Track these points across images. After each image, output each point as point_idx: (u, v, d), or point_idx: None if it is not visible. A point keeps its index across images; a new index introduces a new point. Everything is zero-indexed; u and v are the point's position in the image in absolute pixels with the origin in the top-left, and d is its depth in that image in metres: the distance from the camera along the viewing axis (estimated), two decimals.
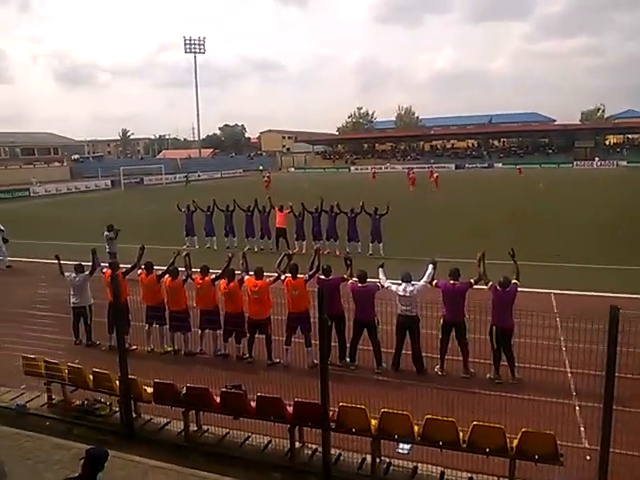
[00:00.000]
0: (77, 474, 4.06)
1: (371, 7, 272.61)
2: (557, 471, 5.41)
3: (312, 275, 9.17)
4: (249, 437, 6.66)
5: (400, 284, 8.71)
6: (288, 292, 9.04)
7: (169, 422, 7.08)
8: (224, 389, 6.68)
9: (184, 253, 10.17)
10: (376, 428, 5.91)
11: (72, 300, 10.12)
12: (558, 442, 5.31)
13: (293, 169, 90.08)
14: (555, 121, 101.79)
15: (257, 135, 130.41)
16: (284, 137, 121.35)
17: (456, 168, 76.74)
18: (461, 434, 5.61)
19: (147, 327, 9.86)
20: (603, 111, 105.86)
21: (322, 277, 9.13)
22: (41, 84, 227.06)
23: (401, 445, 6.22)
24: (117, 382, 7.14)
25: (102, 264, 10.65)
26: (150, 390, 7.07)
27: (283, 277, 9.17)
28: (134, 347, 9.66)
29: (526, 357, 8.25)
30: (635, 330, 5.92)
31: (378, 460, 5.98)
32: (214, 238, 20.05)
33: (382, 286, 8.92)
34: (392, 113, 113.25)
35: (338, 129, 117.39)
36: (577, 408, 7.29)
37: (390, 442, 6.09)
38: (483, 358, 8.46)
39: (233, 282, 9.30)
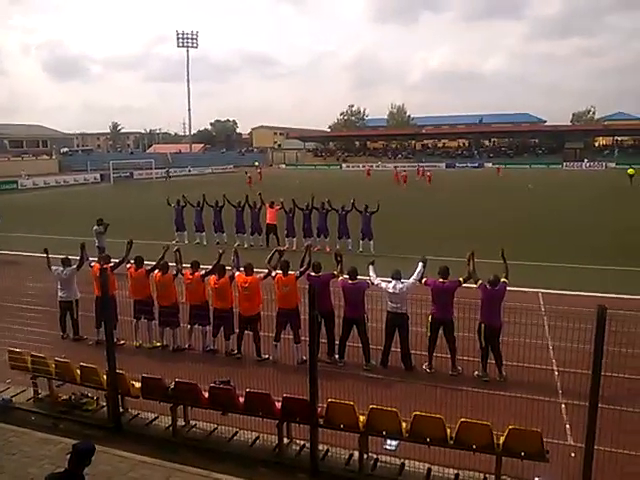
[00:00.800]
0: (63, 469, 4.03)
1: (367, 4, 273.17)
2: (542, 470, 5.47)
3: (303, 272, 9.17)
4: (237, 432, 6.65)
5: (390, 281, 8.73)
6: (278, 288, 9.03)
7: (157, 417, 7.06)
8: (213, 384, 6.66)
9: (174, 248, 10.12)
10: (364, 424, 5.93)
11: (59, 294, 10.04)
12: (544, 439, 5.36)
13: (284, 166, 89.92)
14: (546, 122, 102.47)
15: (249, 131, 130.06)
16: (276, 133, 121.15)
17: (447, 167, 77.06)
18: (448, 431, 5.64)
19: (135, 322, 9.81)
20: (593, 113, 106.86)
21: (312, 274, 9.13)
22: (32, 75, 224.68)
23: (389, 441, 6.25)
24: (104, 376, 7.09)
25: (90, 258, 10.57)
26: (138, 385, 7.04)
27: (274, 273, 9.16)
28: (122, 342, 9.61)
29: (513, 355, 8.29)
30: (622, 330, 6.01)
31: (366, 456, 6.00)
32: (203, 234, 19.99)
33: (372, 283, 8.95)
34: (384, 111, 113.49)
35: (330, 126, 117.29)
36: (563, 406, 7.37)
37: (378, 438, 6.11)
38: (471, 356, 8.53)
39: (224, 278, 9.28)
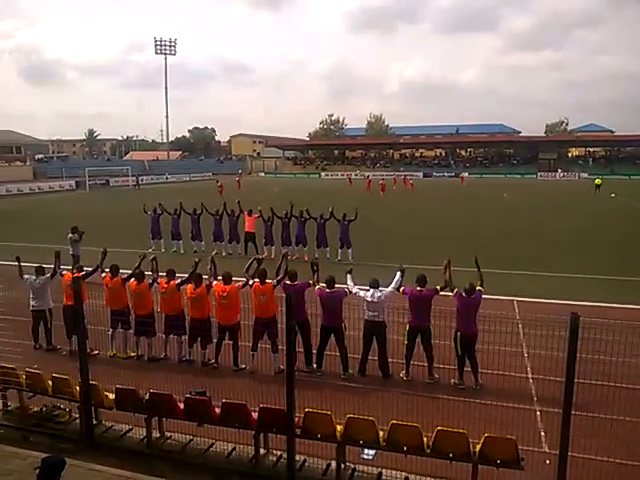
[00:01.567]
0: None
1: (344, 14, 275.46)
2: (517, 477, 5.51)
3: (280, 280, 9.14)
4: (213, 444, 6.56)
5: (368, 290, 8.76)
6: (255, 297, 8.97)
7: (131, 429, 6.92)
8: (188, 395, 6.57)
9: (151, 257, 10.00)
10: (341, 434, 5.91)
11: (32, 303, 9.82)
12: (519, 447, 5.41)
13: (263, 174, 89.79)
14: (520, 133, 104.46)
15: (227, 139, 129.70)
16: (255, 141, 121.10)
17: (424, 176, 77.90)
18: (425, 439, 5.66)
19: (111, 331, 9.64)
20: (566, 124, 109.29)
21: (288, 282, 9.11)
22: (6, 81, 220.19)
23: (366, 450, 6.22)
24: (77, 388, 6.94)
25: (62, 267, 10.37)
26: (112, 396, 6.90)
27: (251, 282, 9.10)
28: (96, 352, 9.43)
29: (489, 363, 8.37)
30: (594, 337, 6.12)
31: (343, 466, 5.97)
32: (180, 242, 19.80)
33: (350, 292, 8.96)
34: (363, 121, 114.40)
35: (309, 135, 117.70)
36: (538, 413, 7.45)
37: (355, 448, 6.09)
38: (447, 364, 8.59)
39: (200, 287, 9.19)
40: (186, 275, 9.44)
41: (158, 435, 6.79)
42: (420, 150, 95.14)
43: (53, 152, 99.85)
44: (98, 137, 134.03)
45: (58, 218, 28.43)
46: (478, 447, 5.48)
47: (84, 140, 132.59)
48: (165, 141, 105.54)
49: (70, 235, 15.43)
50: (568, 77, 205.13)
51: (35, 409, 7.38)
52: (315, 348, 8.99)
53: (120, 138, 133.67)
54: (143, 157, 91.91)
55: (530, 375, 8.54)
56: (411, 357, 8.68)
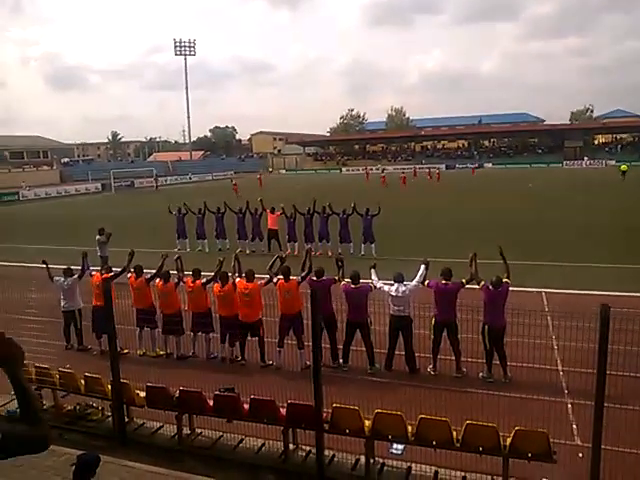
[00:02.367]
0: None
1: (362, 9, 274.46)
2: (549, 471, 5.44)
3: (304, 277, 9.16)
4: (242, 440, 6.64)
5: (392, 284, 8.72)
6: (280, 294, 9.02)
7: (162, 426, 7.05)
8: (217, 392, 6.65)
9: (175, 256, 10.13)
10: (370, 429, 5.91)
11: (62, 304, 10.05)
12: (551, 440, 5.34)
13: (284, 171, 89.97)
14: (544, 121, 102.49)
15: (248, 137, 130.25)
16: (275, 139, 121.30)
17: (447, 168, 76.99)
18: (454, 433, 5.63)
19: (138, 331, 9.81)
20: (592, 111, 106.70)
21: (314, 278, 9.12)
22: (32, 87, 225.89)
23: (395, 445, 6.22)
24: (109, 386, 7.09)
25: (91, 268, 10.58)
26: (142, 394, 7.03)
27: (275, 279, 9.15)
28: (126, 351, 9.60)
29: (518, 356, 8.27)
30: (626, 328, 5.98)
31: (372, 461, 5.98)
32: (205, 241, 20.00)
33: (374, 287, 8.93)
34: (383, 114, 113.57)
35: (329, 130, 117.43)
36: (569, 406, 7.34)
37: (384, 442, 6.09)
38: (475, 357, 8.50)
39: (227, 285, 9.27)
40: (211, 274, 9.55)
41: (189, 432, 6.90)
42: (442, 142, 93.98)
43: (78, 155, 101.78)
44: (122, 139, 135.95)
45: (85, 220, 28.96)
46: (509, 441, 5.43)
47: (108, 143, 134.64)
48: (187, 141, 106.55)
49: (98, 237, 15.70)
50: (593, 63, 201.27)
51: (69, 407, 7.57)
52: (341, 343, 9.00)
53: (143, 140, 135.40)
54: (166, 158, 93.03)
55: (560, 367, 8.40)
56: (438, 351, 8.63)
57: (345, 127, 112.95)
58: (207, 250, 19.66)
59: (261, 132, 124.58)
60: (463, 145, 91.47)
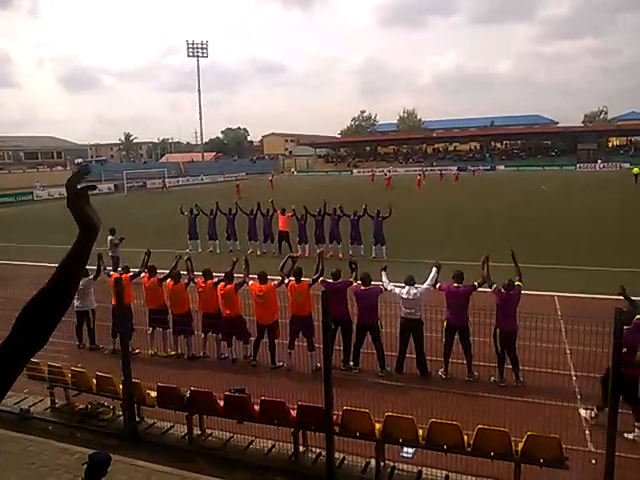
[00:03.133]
0: (80, 478, 4.05)
1: (375, 9, 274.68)
2: (562, 477, 5.38)
3: (316, 279, 9.14)
4: (253, 441, 6.65)
5: (404, 287, 8.69)
6: (291, 296, 9.02)
7: (173, 426, 7.08)
8: (228, 393, 6.66)
9: (185, 257, 10.17)
10: (380, 432, 5.89)
11: (75, 304, 10.11)
12: (563, 446, 5.29)
13: (295, 172, 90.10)
14: (557, 123, 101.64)
15: (260, 138, 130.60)
16: (286, 140, 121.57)
17: (458, 170, 76.60)
18: (466, 438, 5.59)
19: (150, 330, 9.86)
20: (606, 113, 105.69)
21: (329, 281, 9.09)
22: (46, 88, 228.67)
23: (405, 449, 6.20)
24: (120, 386, 7.13)
25: (107, 268, 10.66)
26: (154, 394, 7.07)
27: (287, 281, 9.15)
28: (137, 351, 9.67)
29: (530, 360, 8.20)
30: None
31: (382, 464, 5.96)
32: (217, 242, 20.07)
33: (385, 289, 8.90)
34: (395, 116, 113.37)
35: (340, 132, 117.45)
36: (582, 411, 7.25)
37: (394, 446, 6.06)
38: (487, 361, 8.44)
39: (230, 285, 9.30)
40: (222, 274, 9.58)
41: (199, 432, 6.92)
42: (454, 144, 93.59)
43: (92, 156, 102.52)
44: (134, 140, 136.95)
45: (103, 220, 29.13)
46: (520, 446, 5.38)
47: (121, 144, 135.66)
48: (199, 143, 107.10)
49: (111, 237, 15.78)
50: (607, 64, 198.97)
51: (81, 406, 7.63)
52: (351, 346, 8.98)
53: (156, 141, 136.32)
54: (179, 159, 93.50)
55: (573, 372, 8.31)
56: (449, 354, 8.57)
57: (356, 129, 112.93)
58: (218, 251, 19.73)
59: (272, 133, 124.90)
60: (475, 147, 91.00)
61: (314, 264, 9.39)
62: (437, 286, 8.73)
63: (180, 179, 70.93)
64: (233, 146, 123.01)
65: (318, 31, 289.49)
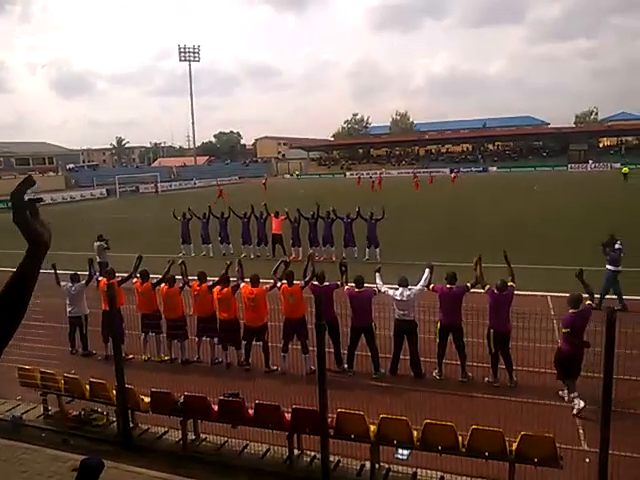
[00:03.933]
0: None
1: (368, 12, 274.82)
2: (556, 476, 5.39)
3: (307, 282, 9.15)
4: (247, 445, 6.63)
5: (397, 289, 8.70)
6: (284, 299, 9.02)
7: (167, 431, 7.05)
8: (222, 397, 6.64)
9: (179, 261, 10.14)
10: (375, 434, 5.89)
11: (68, 310, 10.08)
12: (557, 445, 5.30)
13: (289, 175, 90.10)
14: (549, 124, 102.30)
15: (252, 142, 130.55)
16: (279, 143, 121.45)
17: (451, 172, 76.86)
18: (460, 438, 5.60)
19: (143, 336, 9.82)
20: (596, 114, 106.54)
21: (316, 283, 9.11)
22: (38, 93, 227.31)
23: (400, 450, 6.20)
24: (114, 392, 7.10)
25: (97, 273, 10.61)
26: (147, 399, 7.03)
27: (279, 284, 9.14)
28: (130, 356, 9.62)
29: (524, 360, 8.23)
30: (632, 332, 5.95)
31: (377, 466, 5.96)
32: (210, 245, 20.03)
33: (379, 291, 8.91)
34: (387, 118, 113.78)
35: (333, 135, 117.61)
36: (575, 411, 7.28)
37: (389, 448, 6.06)
38: (481, 362, 8.47)
39: (227, 288, 9.29)
40: (216, 278, 9.57)
41: (193, 437, 6.89)
42: (446, 146, 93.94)
43: (84, 161, 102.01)
44: (126, 145, 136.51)
45: (91, 226, 29.05)
46: (515, 445, 5.40)
47: (113, 148, 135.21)
48: (192, 147, 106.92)
49: (98, 243, 15.59)
50: (598, 66, 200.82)
51: (74, 413, 7.59)
52: (345, 348, 8.98)
53: (148, 145, 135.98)
54: (171, 163, 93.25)
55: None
56: (443, 356, 8.59)
57: (349, 131, 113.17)
58: (212, 255, 19.69)
59: (265, 137, 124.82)
60: (467, 149, 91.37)
61: (304, 267, 9.41)
62: (431, 287, 8.76)
63: (172, 183, 70.76)
64: (226, 150, 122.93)
65: (311, 34, 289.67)
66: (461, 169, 74.31)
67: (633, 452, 5.75)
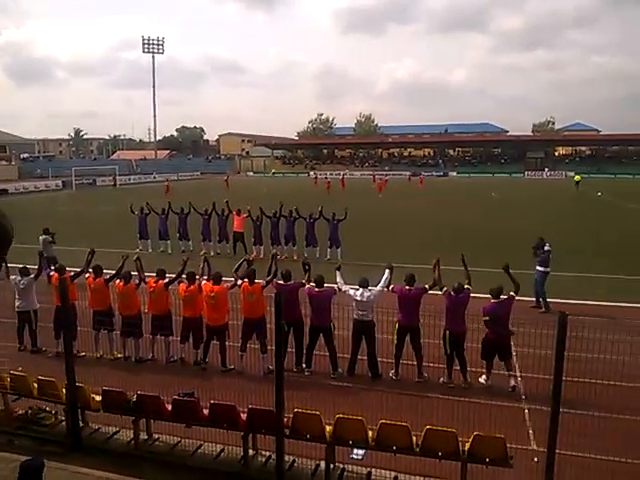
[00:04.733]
0: None
1: (336, 15, 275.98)
2: (506, 475, 5.52)
3: (269, 281, 9.09)
4: (201, 445, 6.51)
5: (357, 289, 8.74)
6: (244, 297, 8.93)
7: (118, 431, 6.84)
8: (176, 397, 6.51)
9: (135, 257, 9.89)
10: (331, 434, 5.88)
11: (17, 304, 9.69)
12: (508, 445, 5.42)
13: (252, 173, 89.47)
14: (508, 132, 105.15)
15: (216, 138, 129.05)
16: (243, 140, 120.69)
17: (413, 176, 77.92)
18: (414, 438, 5.65)
19: (95, 333, 9.53)
20: (553, 124, 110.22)
21: (281, 282, 9.06)
22: None
23: (355, 450, 6.22)
24: (63, 390, 6.85)
25: (48, 268, 10.25)
26: (98, 398, 6.82)
27: (240, 282, 9.05)
28: (82, 353, 9.33)
29: (478, 362, 8.42)
30: (582, 335, 6.16)
31: (332, 466, 5.95)
32: (168, 242, 19.67)
33: (339, 290, 8.94)
34: (352, 120, 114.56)
35: (298, 134, 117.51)
36: (526, 411, 7.49)
37: (345, 448, 6.07)
38: (437, 362, 8.60)
39: (193, 285, 9.13)
40: (174, 275, 9.38)
41: (146, 437, 6.73)
42: (409, 149, 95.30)
43: (39, 151, 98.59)
44: (84, 136, 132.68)
45: (44, 218, 28.07)
46: (467, 446, 5.48)
47: (70, 139, 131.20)
48: (153, 140, 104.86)
49: (44, 237, 14.97)
50: (556, 77, 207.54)
51: (20, 412, 7.28)
52: (304, 348, 8.96)
53: (107, 137, 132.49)
54: (130, 156, 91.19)
55: (519, 373, 8.57)
56: (400, 356, 8.68)
57: (314, 131, 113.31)
58: (170, 251, 19.35)
59: (229, 133, 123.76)
60: (429, 153, 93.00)
61: (268, 266, 9.35)
62: (390, 288, 8.84)
63: (132, 177, 69.30)
64: (188, 145, 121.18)
65: (280, 34, 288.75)
66: (422, 173, 75.27)
67: (579, 452, 5.95)
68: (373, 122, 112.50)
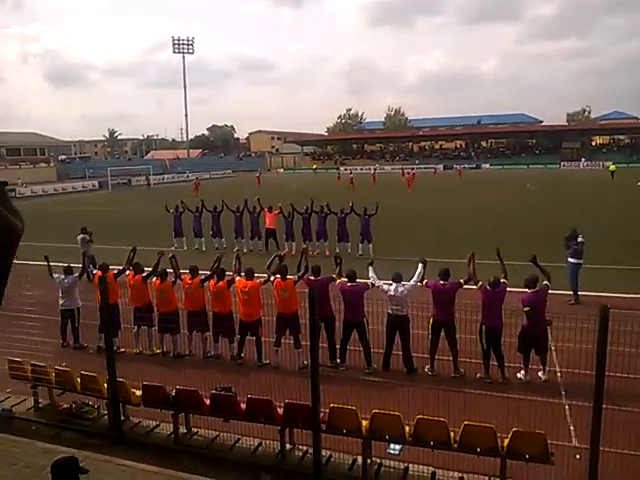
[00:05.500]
0: None
1: (364, 9, 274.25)
2: (547, 472, 5.42)
3: (301, 276, 9.13)
4: (239, 439, 6.60)
5: (391, 284, 8.70)
6: (277, 293, 9.00)
7: (158, 425, 7.01)
8: (214, 391, 6.61)
9: (169, 255, 10.07)
10: (367, 429, 5.88)
11: (60, 302, 10.00)
12: (548, 441, 5.32)
13: (282, 170, 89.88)
14: (542, 122, 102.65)
15: (246, 135, 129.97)
16: (273, 138, 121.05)
17: (444, 169, 77.00)
18: (452, 434, 5.61)
19: (135, 329, 9.77)
20: (589, 112, 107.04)
21: (311, 277, 9.10)
22: (30, 84, 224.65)
23: (392, 445, 6.20)
24: (105, 385, 7.05)
25: (91, 267, 10.54)
26: (139, 393, 6.99)
27: (272, 278, 9.12)
28: (122, 349, 9.57)
29: (515, 357, 8.28)
30: (625, 329, 5.98)
31: (369, 461, 5.95)
32: (202, 239, 19.95)
33: (372, 284, 8.91)
34: (381, 114, 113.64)
35: (327, 130, 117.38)
36: (567, 407, 7.32)
37: (381, 443, 6.07)
38: (473, 358, 8.49)
39: (222, 281, 9.25)
40: (209, 272, 9.52)
41: (185, 431, 6.86)
42: (440, 142, 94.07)
43: (75, 153, 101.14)
44: (119, 137, 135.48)
45: (83, 218, 28.84)
46: (506, 442, 5.41)
47: (105, 140, 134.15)
48: (185, 139, 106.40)
49: (82, 236, 15.36)
50: (592, 65, 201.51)
51: (65, 406, 7.52)
52: (338, 343, 8.97)
53: (141, 138, 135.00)
54: (164, 156, 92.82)
55: (558, 368, 8.40)
56: (435, 351, 8.61)
57: (343, 126, 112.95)
58: (204, 249, 19.61)
59: (259, 131, 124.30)
60: (461, 145, 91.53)
61: (298, 262, 9.39)
62: (424, 283, 8.76)
63: (165, 176, 70.55)
64: (219, 143, 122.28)
65: (307, 29, 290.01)
66: (456, 165, 74.20)
67: (623, 449, 5.79)
68: (403, 115, 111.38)
